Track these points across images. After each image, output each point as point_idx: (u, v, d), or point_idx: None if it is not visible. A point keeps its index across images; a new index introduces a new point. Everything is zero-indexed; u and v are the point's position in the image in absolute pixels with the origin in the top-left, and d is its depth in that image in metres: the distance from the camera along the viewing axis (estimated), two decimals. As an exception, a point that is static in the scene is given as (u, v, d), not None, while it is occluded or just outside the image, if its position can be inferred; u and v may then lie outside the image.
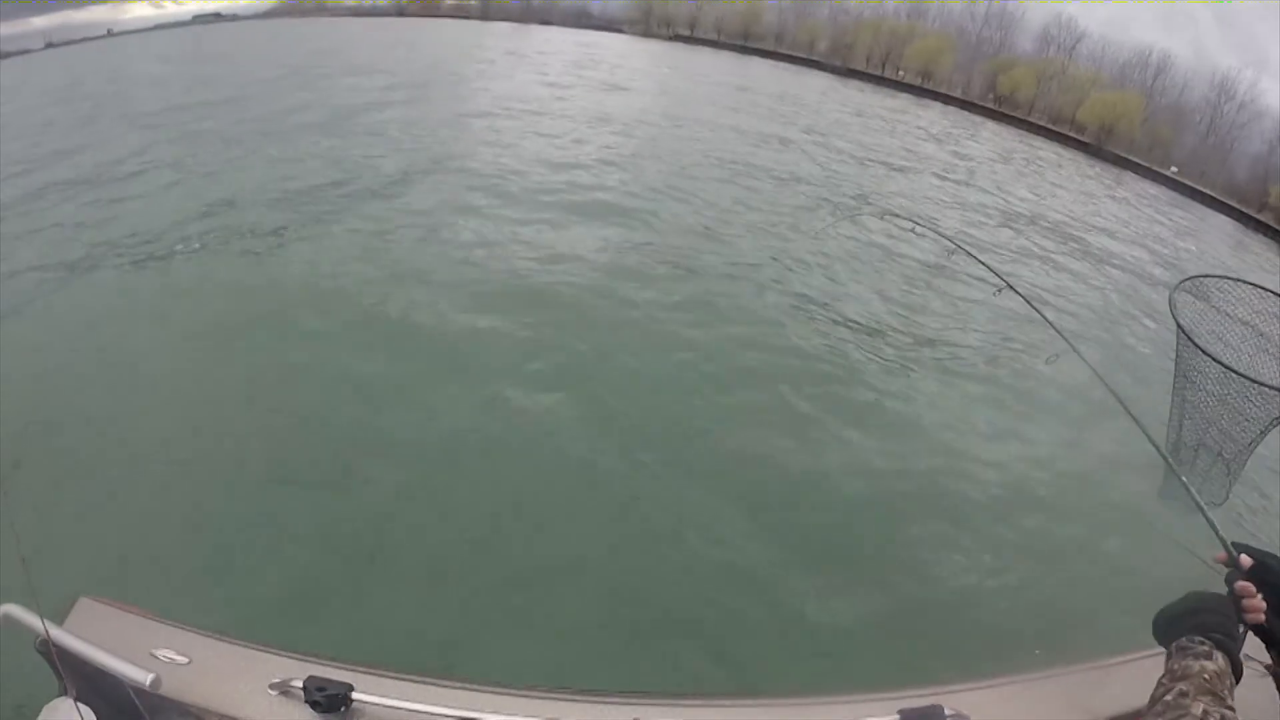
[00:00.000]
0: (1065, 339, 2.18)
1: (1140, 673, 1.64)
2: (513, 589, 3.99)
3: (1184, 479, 1.65)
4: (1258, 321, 1.89)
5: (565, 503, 4.79)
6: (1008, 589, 4.50)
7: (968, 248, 2.78)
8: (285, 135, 14.48)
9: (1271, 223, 53.36)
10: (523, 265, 8.94)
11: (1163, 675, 1.15)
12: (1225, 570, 1.38)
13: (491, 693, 1.68)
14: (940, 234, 3.09)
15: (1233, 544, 1.41)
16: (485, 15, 63.21)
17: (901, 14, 61.02)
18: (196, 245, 8.84)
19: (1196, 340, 1.84)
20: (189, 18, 59.07)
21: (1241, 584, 1.30)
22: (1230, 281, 1.98)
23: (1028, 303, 2.42)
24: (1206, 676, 1.09)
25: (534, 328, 7.25)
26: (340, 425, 5.45)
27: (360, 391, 5.87)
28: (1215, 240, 33.91)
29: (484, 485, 4.90)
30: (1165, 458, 1.79)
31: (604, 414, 5.79)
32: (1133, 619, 1.61)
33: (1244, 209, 52.19)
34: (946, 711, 1.68)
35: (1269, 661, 1.32)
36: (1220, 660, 1.13)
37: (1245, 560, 1.33)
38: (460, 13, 65.17)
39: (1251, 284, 1.95)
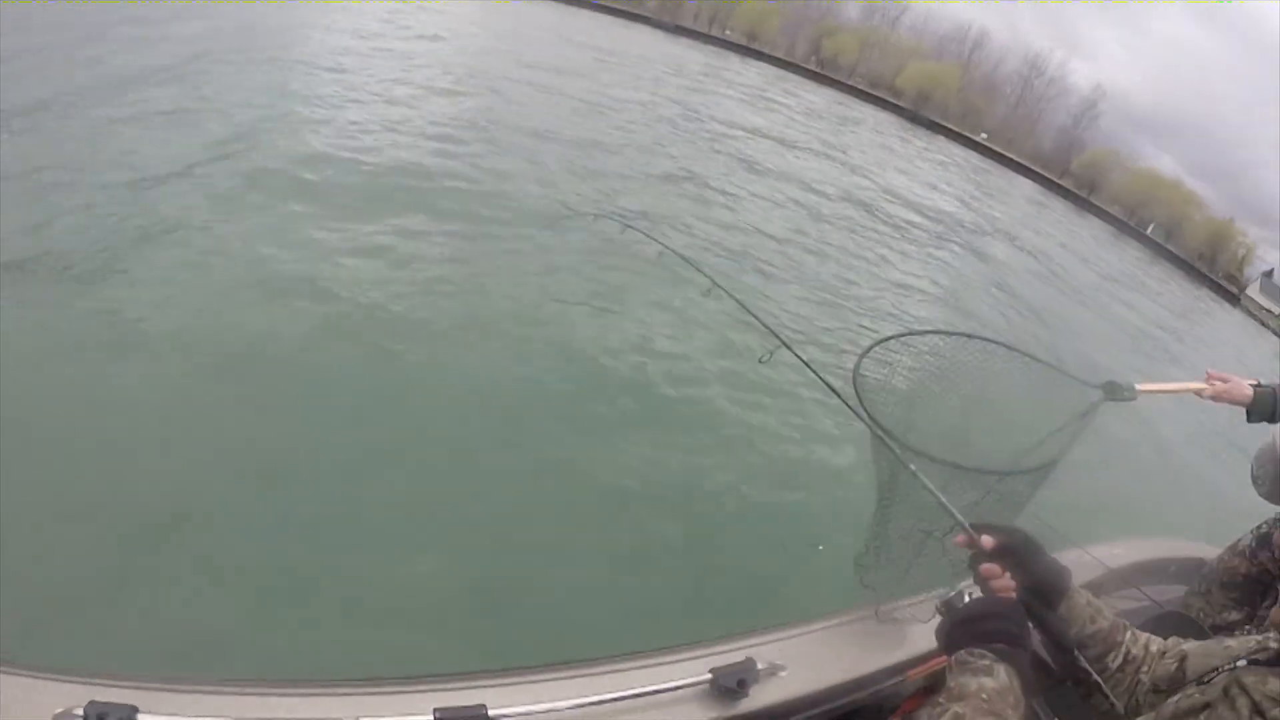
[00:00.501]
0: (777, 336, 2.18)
1: None
2: (299, 577, 3.54)
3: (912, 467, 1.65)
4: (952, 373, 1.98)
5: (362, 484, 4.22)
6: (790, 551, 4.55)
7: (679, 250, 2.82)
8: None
9: (1071, 187, 58.41)
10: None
11: (939, 694, 1.08)
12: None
13: (295, 694, 1.58)
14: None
15: (971, 525, 1.40)
16: None
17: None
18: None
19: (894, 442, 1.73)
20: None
21: (986, 566, 1.29)
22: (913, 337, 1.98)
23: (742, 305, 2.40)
24: (985, 696, 0.99)
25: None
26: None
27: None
28: (1018, 199, 36.05)
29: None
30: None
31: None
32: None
33: (1047, 174, 56.30)
34: (759, 665, 1.75)
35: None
36: (1003, 675, 1.03)
37: (987, 540, 1.32)
38: None
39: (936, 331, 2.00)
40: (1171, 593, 2.80)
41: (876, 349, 1.91)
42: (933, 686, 2.01)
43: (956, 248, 15.34)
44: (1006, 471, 1.80)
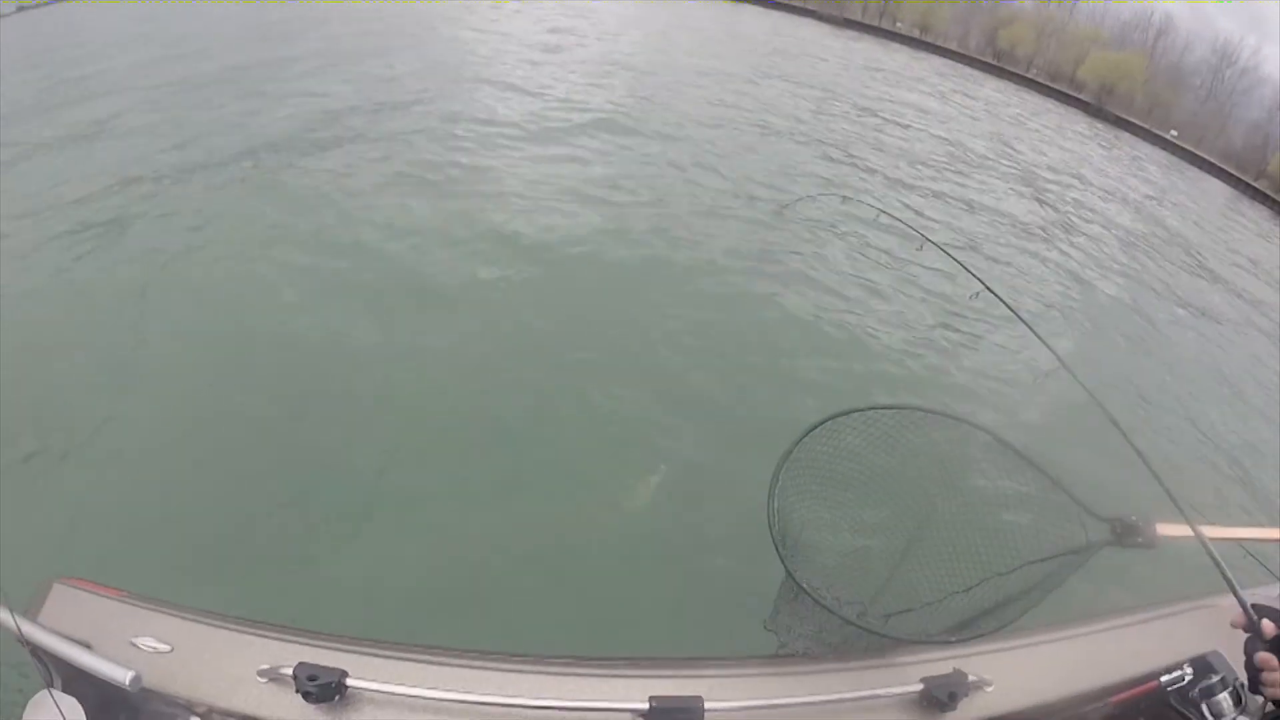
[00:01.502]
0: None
1: None
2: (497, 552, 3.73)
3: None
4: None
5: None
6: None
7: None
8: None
9: (1269, 190, 53.25)
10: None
11: None
12: (1243, 634, 1.32)
13: (505, 668, 1.60)
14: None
15: (1253, 606, 1.32)
16: None
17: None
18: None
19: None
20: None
21: (1263, 655, 1.20)
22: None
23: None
24: None
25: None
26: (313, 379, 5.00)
27: (349, 351, 5.35)
28: (1209, 206, 33.56)
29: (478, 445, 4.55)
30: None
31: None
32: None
33: (1241, 175, 51.75)
34: (969, 677, 1.71)
35: None
36: None
37: (1269, 628, 1.23)
38: None
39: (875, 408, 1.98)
40: None
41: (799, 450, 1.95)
42: (1121, 714, 1.97)
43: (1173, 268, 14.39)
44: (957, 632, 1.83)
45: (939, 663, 1.76)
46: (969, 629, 1.86)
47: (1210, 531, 1.77)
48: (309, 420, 4.62)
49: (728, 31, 31.36)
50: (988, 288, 2.65)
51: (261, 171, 8.39)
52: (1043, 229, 13.07)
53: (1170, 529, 1.94)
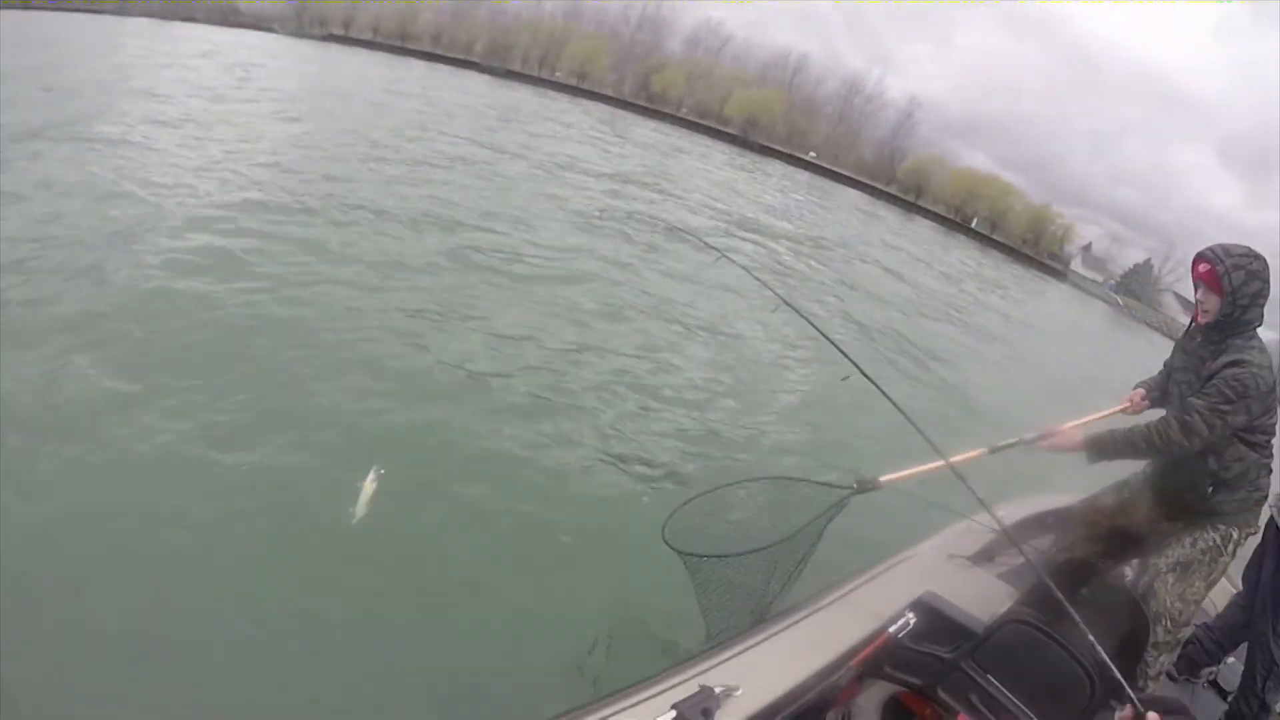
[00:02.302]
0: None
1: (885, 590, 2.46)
2: None
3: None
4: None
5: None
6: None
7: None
8: None
9: (897, 193, 62.77)
10: None
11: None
12: (952, 565, 2.10)
13: None
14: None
15: (1141, 700, 1.57)
16: (121, 10, 52.10)
17: (559, 14, 60.81)
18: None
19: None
20: None
21: None
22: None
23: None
24: None
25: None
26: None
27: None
28: (848, 211, 38.17)
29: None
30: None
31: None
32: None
33: (874, 184, 60.27)
34: (717, 690, 1.76)
35: None
36: None
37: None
38: (92, 7, 53.29)
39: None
40: (1046, 544, 3.01)
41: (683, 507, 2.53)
42: (865, 672, 2.15)
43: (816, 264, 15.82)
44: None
45: (685, 685, 1.79)
46: (713, 638, 2.28)
47: (892, 476, 2.53)
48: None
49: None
50: (787, 303, 3.54)
51: None
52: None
53: (891, 476, 2.58)
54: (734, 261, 4.92)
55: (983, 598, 2.51)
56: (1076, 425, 2.72)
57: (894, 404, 2.74)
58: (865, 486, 2.63)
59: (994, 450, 2.78)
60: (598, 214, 12.68)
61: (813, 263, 15.67)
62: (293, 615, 3.20)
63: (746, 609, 2.50)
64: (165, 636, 2.95)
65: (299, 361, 5.18)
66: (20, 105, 12.06)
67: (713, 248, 4.90)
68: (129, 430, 4.07)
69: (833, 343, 3.23)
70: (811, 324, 3.53)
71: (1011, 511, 3.15)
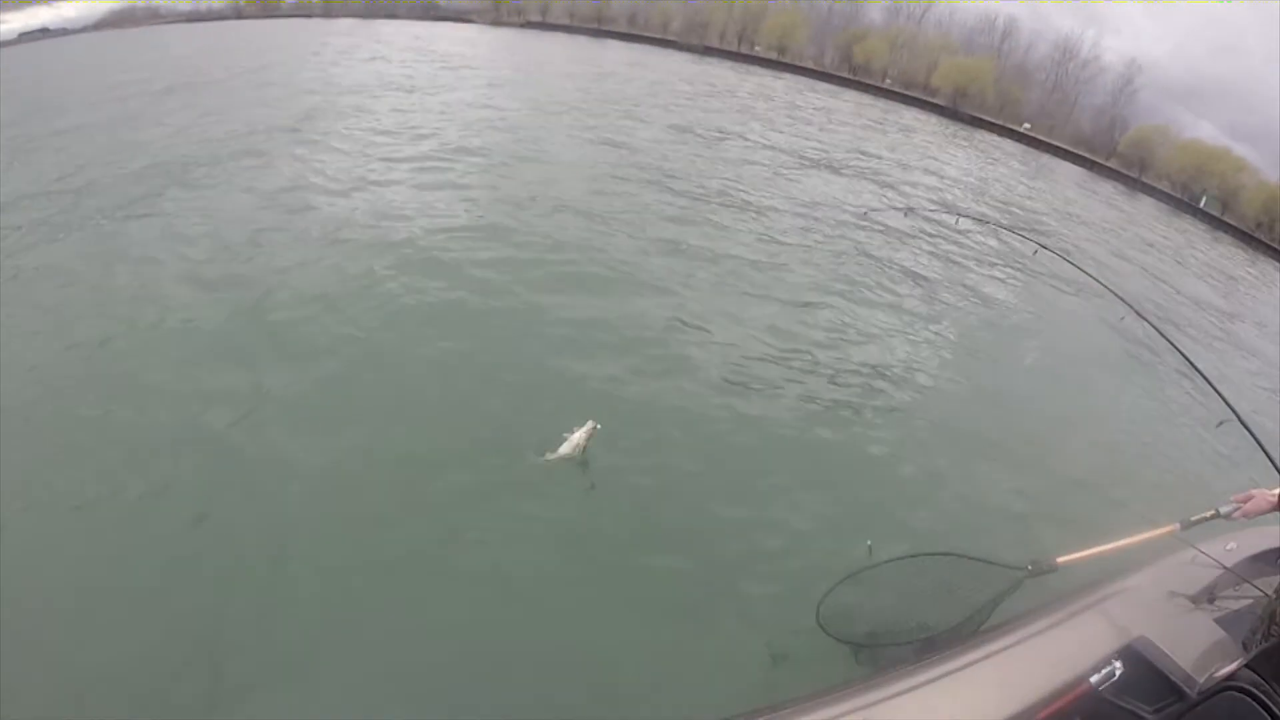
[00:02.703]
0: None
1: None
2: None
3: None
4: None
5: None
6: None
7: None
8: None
9: (1119, 167, 56.67)
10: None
11: None
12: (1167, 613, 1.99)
13: None
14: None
15: None
16: (328, 13, 58.36)
17: (753, -10, 60.20)
18: None
19: None
20: (15, 36, 50.63)
21: None
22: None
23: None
24: None
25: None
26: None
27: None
28: (1065, 185, 35.31)
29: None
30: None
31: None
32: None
33: (1093, 157, 54.88)
34: None
35: None
36: None
37: None
38: (301, 11, 60.01)
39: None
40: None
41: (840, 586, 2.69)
42: None
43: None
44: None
45: (849, 716, 1.66)
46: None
47: (1067, 558, 2.43)
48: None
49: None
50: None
51: None
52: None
53: (1068, 557, 2.47)
54: (1068, 260, 4.90)
55: (1201, 648, 2.15)
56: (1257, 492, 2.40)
57: (1273, 463, 2.36)
58: (1040, 569, 2.51)
59: (1186, 526, 2.51)
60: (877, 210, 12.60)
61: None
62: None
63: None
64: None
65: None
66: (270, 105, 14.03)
67: (1030, 240, 4.93)
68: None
69: (1206, 379, 2.97)
70: (1176, 347, 3.43)
71: (1243, 544, 2.80)
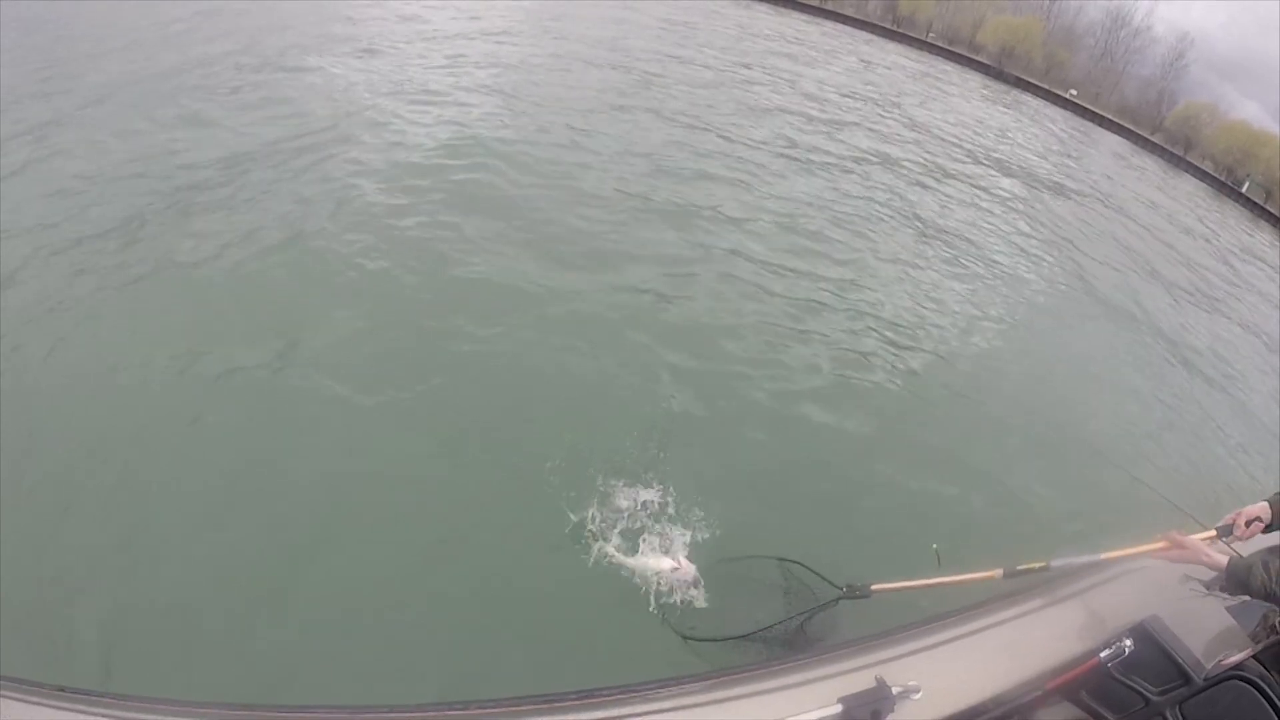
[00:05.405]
0: None
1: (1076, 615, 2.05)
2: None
3: None
4: None
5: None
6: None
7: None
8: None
9: (1163, 143, 54.97)
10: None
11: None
12: (1181, 593, 1.93)
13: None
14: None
15: None
16: None
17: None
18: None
19: None
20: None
21: None
22: None
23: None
24: None
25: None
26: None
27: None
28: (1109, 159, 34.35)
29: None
30: None
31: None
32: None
33: (1137, 130, 53.23)
34: (893, 689, 1.58)
35: None
36: None
37: None
38: None
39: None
40: None
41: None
42: (1065, 695, 1.99)
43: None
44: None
45: (856, 673, 1.61)
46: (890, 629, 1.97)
47: (881, 586, 2.62)
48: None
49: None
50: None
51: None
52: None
53: (883, 585, 2.62)
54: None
55: (1210, 635, 2.14)
56: (1202, 538, 2.24)
57: None
58: (854, 593, 2.71)
59: (1009, 575, 2.33)
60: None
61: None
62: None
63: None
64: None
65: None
66: None
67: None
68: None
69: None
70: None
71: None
